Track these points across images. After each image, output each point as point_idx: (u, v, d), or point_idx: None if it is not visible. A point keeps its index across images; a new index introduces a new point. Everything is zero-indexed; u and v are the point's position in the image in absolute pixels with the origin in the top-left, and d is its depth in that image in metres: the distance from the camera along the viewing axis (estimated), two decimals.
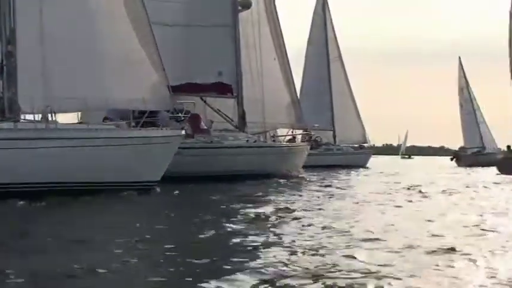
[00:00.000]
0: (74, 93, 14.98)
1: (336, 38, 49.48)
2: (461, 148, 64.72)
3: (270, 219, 11.12)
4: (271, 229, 9.84)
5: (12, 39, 14.43)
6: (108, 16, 16.05)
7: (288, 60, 31.32)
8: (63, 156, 14.35)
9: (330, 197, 17.03)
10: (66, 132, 14.88)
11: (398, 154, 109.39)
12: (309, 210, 12.76)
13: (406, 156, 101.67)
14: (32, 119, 14.87)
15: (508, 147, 38.04)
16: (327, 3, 49.54)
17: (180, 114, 18.07)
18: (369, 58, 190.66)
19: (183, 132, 18.18)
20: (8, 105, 14.33)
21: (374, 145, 52.11)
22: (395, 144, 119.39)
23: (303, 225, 10.23)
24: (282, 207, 13.47)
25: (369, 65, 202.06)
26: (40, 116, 14.71)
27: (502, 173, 34.02)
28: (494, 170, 37.83)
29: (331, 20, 49.32)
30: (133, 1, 16.39)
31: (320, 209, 13.32)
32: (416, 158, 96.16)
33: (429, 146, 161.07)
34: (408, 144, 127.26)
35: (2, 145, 13.77)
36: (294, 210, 12.77)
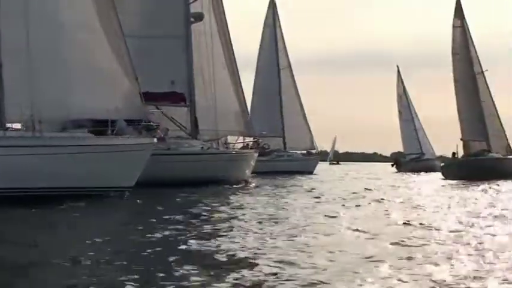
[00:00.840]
0: (56, 103, 15.63)
1: (285, 48, 50.81)
2: (393, 154, 66.83)
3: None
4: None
5: None
6: (86, 30, 16.78)
7: (237, 71, 32.28)
8: (48, 162, 15.00)
9: None
10: (51, 140, 15.53)
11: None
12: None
13: (334, 162, 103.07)
14: (18, 127, 15.38)
15: (453, 154, 39.76)
16: (277, 14, 50.92)
17: (152, 123, 18.77)
18: (305, 64, 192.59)
19: (155, 140, 18.90)
20: None
21: (321, 151, 53.32)
22: (329, 150, 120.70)
23: None
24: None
25: (303, 70, 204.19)
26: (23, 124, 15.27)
27: (446, 178, 35.73)
28: (438, 175, 39.57)
29: (281, 30, 50.82)
30: (108, 15, 17.15)
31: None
32: (351, 165, 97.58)
33: (363, 152, 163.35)
34: (342, 151, 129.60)
35: None
36: None
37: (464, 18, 40.10)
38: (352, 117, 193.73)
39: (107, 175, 16.32)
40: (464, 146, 38.75)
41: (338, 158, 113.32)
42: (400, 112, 64.63)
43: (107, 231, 11.24)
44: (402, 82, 64.86)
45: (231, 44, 31.83)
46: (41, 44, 15.60)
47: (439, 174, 43.76)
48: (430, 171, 55.06)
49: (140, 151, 17.62)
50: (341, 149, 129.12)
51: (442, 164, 41.60)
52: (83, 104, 16.44)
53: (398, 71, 65.23)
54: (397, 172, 57.04)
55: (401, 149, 67.98)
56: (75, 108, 16.25)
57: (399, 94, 64.74)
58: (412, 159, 62.37)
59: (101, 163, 16.16)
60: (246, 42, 70.19)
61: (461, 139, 38.74)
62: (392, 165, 63.63)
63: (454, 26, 39.87)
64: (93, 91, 16.78)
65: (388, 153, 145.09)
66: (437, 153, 64.42)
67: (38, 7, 15.73)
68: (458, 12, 40.06)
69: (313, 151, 50.36)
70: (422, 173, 50.40)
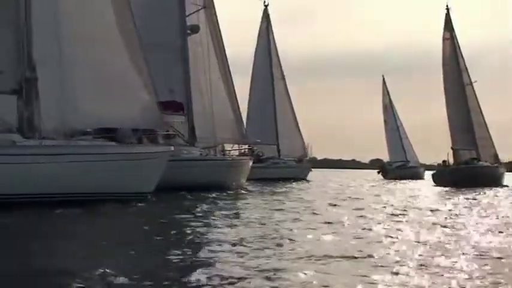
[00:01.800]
0: (82, 114, 16.62)
1: (279, 59, 52.05)
2: (372, 161, 68.10)
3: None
4: None
5: (30, 65, 15.99)
6: (109, 44, 17.78)
7: (232, 81, 33.65)
8: (79, 169, 15.95)
9: None
10: (81, 149, 16.55)
11: None
12: None
13: None
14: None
15: (444, 161, 41.11)
16: (271, 26, 52.14)
17: (169, 132, 19.82)
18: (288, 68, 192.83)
19: (172, 148, 20.00)
20: (27, 124, 15.90)
21: (315, 158, 54.56)
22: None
23: None
24: None
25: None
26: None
27: (438, 185, 36.97)
28: (425, 182, 40.73)
29: (274, 42, 51.97)
30: (128, 29, 18.27)
31: None
32: (326, 171, 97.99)
33: (340, 159, 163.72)
34: (321, 157, 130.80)
35: (29, 160, 15.31)
36: None
37: (453, 30, 41.75)
38: (329, 124, 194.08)
39: (130, 181, 17.26)
40: (454, 155, 40.12)
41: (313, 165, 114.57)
42: (385, 121, 66.07)
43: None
44: (388, 92, 66.38)
45: (226, 56, 33.17)
46: (72, 59, 16.55)
47: (424, 181, 45.13)
48: (415, 179, 56.60)
49: (159, 158, 18.59)
50: (318, 155, 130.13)
51: (434, 171, 42.72)
52: (106, 115, 17.33)
53: (384, 81, 66.80)
54: (383, 179, 58.05)
55: (379, 156, 69.65)
56: (99, 118, 17.16)
57: (385, 104, 66.20)
58: (398, 167, 63.66)
59: (125, 170, 17.07)
60: (239, 45, 70.93)
61: (451, 148, 40.10)
62: (378, 173, 64.74)
63: (444, 39, 41.44)
64: (115, 102, 17.68)
65: (366, 160, 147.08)
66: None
67: (67, 23, 16.67)
68: (448, 25, 41.63)
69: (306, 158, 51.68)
70: (408, 180, 51.57)
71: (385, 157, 68.39)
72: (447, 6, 42.23)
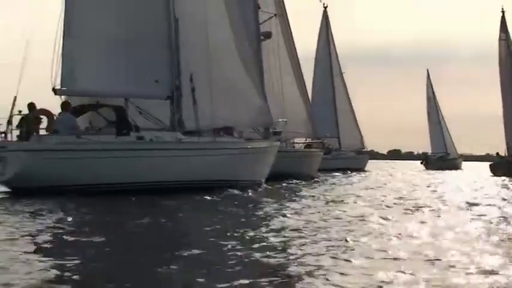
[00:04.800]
0: (219, 115, 19.84)
1: (337, 56, 55.61)
2: (390, 152, 70.16)
3: None
4: None
5: (179, 76, 19.33)
6: (230, 54, 20.96)
7: (303, 81, 36.82)
8: (222, 160, 19.21)
9: None
10: (225, 144, 19.96)
11: None
12: None
13: None
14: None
15: (497, 153, 44.21)
16: (330, 25, 55.34)
17: (276, 129, 23.13)
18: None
19: (278, 143, 23.72)
20: (178, 123, 19.21)
21: (371, 150, 57.71)
22: None
23: None
24: None
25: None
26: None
27: (495, 175, 39.97)
28: (471, 172, 43.52)
29: (333, 40, 55.42)
30: (242, 40, 21.43)
31: None
32: None
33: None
34: None
35: (192, 153, 18.70)
36: None
37: (507, 32, 44.46)
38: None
39: (256, 170, 20.71)
40: (508, 147, 42.96)
41: None
42: (428, 113, 69.05)
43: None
44: (431, 85, 69.24)
45: (298, 58, 36.10)
46: (208, 69, 19.81)
47: (462, 172, 48.10)
48: (454, 169, 59.54)
49: (271, 152, 22.15)
50: None
51: (491, 163, 45.47)
52: (230, 117, 20.64)
53: (428, 75, 69.77)
54: (425, 170, 60.75)
55: (397, 147, 72.30)
56: (225, 119, 20.50)
57: (428, 96, 69.16)
58: (439, 158, 66.62)
59: (254, 161, 20.61)
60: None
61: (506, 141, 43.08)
62: (421, 163, 67.75)
63: (499, 39, 44.26)
64: (237, 106, 20.93)
65: (385, 151, 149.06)
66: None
67: (213, 43, 20.11)
68: (503, 26, 44.52)
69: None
70: (448, 171, 54.29)
71: (402, 147, 71.46)
72: (502, 8, 45.18)
